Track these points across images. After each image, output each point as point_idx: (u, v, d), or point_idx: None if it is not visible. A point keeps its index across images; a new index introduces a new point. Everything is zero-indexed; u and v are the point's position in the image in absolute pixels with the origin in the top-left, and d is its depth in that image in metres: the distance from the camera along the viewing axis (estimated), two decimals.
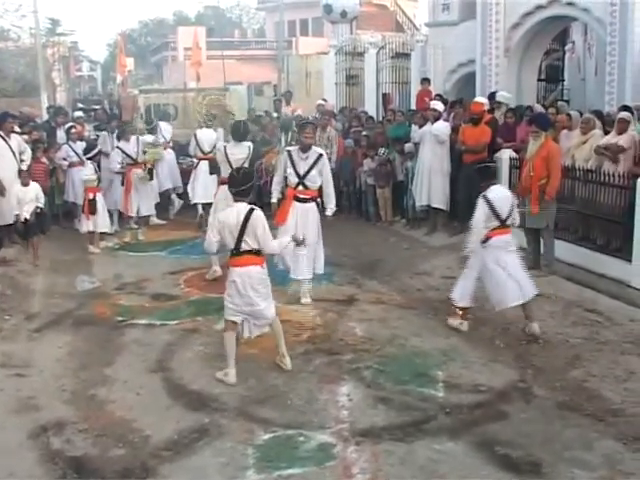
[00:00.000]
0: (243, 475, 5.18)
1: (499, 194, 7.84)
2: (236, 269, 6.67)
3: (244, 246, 6.58)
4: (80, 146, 14.11)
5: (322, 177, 8.95)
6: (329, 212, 9.11)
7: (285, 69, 24.62)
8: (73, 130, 14.61)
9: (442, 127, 12.57)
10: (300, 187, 8.85)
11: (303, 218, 8.82)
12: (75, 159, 14.03)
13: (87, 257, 11.89)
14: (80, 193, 13.47)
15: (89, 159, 13.10)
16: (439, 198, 12.69)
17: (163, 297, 9.55)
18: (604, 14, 14.01)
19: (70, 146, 14.23)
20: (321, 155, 8.90)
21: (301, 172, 8.80)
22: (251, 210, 6.58)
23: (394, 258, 11.40)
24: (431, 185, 12.67)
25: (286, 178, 9.05)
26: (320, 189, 9.08)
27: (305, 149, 8.86)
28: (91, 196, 12.29)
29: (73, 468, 5.26)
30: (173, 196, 15.34)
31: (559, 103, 11.85)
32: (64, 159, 14.13)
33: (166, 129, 15.75)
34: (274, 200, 9.23)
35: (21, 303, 9.14)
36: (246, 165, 9.34)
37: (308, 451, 5.48)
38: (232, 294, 6.70)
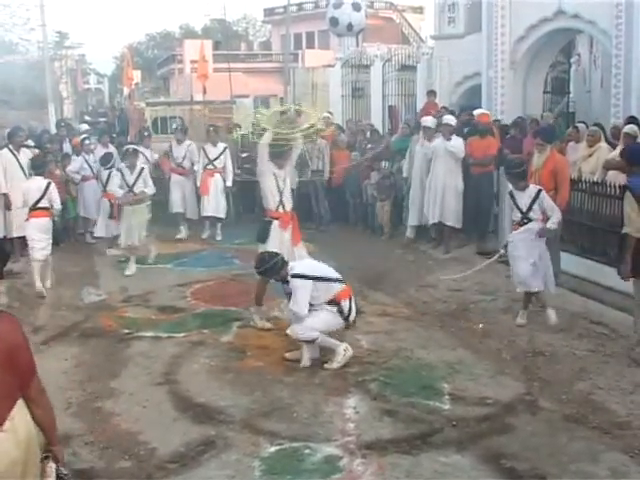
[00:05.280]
0: None
1: None
2: (33, 219, 10.45)
3: (42, 204, 10.44)
4: (92, 159, 14.06)
5: None
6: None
7: (291, 82, 24.69)
8: (87, 142, 14.52)
9: (458, 143, 12.14)
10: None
11: None
12: (88, 172, 13.91)
13: (94, 269, 11.93)
14: (91, 207, 13.60)
15: (109, 168, 12.82)
16: (453, 216, 12.27)
17: (169, 309, 9.57)
18: (610, 26, 14.02)
19: (85, 158, 14.05)
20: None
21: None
22: (49, 183, 10.60)
23: (400, 270, 11.40)
24: (444, 202, 12.23)
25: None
26: None
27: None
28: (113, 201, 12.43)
29: None
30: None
31: (579, 125, 11.82)
32: (77, 172, 13.93)
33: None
34: None
35: (28, 315, 9.16)
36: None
37: (314, 464, 5.48)
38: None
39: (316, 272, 7.41)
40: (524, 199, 8.59)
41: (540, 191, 8.57)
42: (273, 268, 7.42)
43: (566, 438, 5.79)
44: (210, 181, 14.08)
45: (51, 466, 3.72)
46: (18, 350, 3.52)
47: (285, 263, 7.48)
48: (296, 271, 7.34)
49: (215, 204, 14.08)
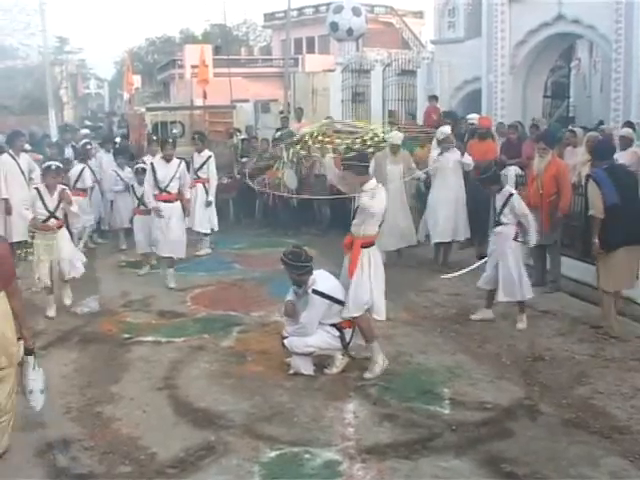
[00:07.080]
0: None
1: None
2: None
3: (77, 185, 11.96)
4: (93, 164, 13.98)
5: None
6: None
7: (292, 86, 24.71)
8: (89, 147, 14.36)
9: (469, 156, 11.49)
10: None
11: None
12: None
13: (93, 275, 11.87)
14: (95, 212, 13.52)
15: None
16: (464, 229, 11.66)
17: (169, 314, 9.55)
18: (609, 31, 14.07)
19: (87, 164, 13.55)
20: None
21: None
22: (83, 167, 12.25)
23: (400, 275, 11.36)
24: (458, 218, 11.50)
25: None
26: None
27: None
28: None
29: None
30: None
31: (577, 129, 11.85)
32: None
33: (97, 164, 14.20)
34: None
35: (28, 320, 9.12)
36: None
37: (314, 468, 5.49)
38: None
39: (337, 295, 7.30)
40: (497, 202, 8.61)
41: (511, 195, 8.52)
42: (299, 269, 7.19)
43: (566, 442, 5.79)
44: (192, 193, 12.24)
45: (21, 343, 5.62)
46: (4, 260, 5.49)
47: (310, 271, 7.24)
48: (319, 288, 7.18)
49: (198, 218, 12.79)
